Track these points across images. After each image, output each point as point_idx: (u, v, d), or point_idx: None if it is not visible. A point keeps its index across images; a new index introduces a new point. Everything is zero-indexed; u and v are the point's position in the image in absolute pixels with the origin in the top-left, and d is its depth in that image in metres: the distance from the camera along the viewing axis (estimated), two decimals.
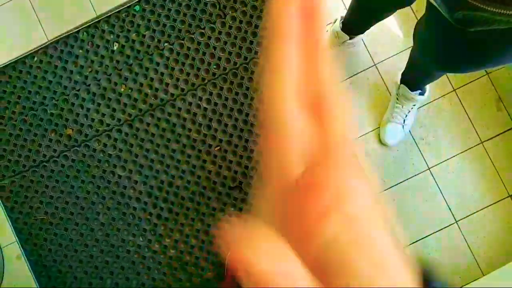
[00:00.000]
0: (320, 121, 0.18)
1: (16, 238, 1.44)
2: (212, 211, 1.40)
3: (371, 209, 0.16)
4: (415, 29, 0.89)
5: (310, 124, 0.17)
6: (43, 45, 1.46)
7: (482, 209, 1.35)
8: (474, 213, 1.36)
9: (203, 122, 1.41)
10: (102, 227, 1.43)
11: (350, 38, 1.22)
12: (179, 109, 1.42)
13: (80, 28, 1.45)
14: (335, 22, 1.25)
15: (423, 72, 1.09)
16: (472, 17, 0.53)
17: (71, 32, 1.45)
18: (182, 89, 1.42)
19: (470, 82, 1.35)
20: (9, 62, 1.46)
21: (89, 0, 1.44)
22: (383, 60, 1.36)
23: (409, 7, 1.38)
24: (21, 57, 1.46)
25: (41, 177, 1.45)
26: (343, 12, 1.26)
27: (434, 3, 0.59)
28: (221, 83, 1.41)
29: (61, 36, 1.45)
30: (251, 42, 1.40)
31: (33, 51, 1.46)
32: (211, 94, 1.41)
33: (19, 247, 1.44)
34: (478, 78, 1.36)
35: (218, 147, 1.41)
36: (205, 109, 1.41)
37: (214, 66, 1.41)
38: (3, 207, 1.45)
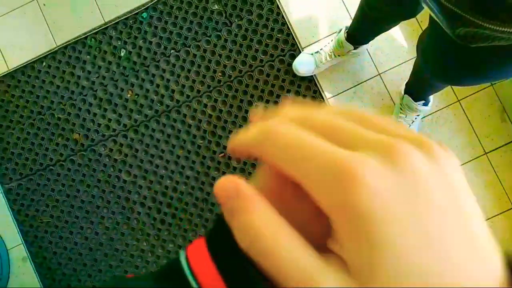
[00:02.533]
0: None
1: (22, 240, 1.46)
2: (215, 217, 1.41)
3: None
4: (418, 40, 0.90)
5: None
6: (52, 51, 1.48)
7: (485, 220, 1.35)
8: None
9: (208, 128, 1.42)
10: (106, 231, 1.45)
11: (355, 48, 1.23)
12: (184, 115, 1.43)
13: (88, 34, 1.47)
14: (340, 31, 1.25)
15: (427, 83, 1.10)
16: (473, 34, 0.53)
17: (79, 38, 1.47)
18: (188, 96, 1.43)
19: (475, 93, 1.35)
20: (18, 67, 1.48)
21: (97, 7, 1.46)
22: (387, 70, 1.37)
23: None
24: (30, 62, 1.48)
25: (48, 180, 1.47)
26: (348, 22, 1.26)
27: (436, 19, 0.60)
28: (226, 90, 1.42)
29: (70, 42, 1.48)
30: (256, 50, 1.41)
31: (41, 56, 1.48)
32: (216, 101, 1.42)
33: (25, 249, 1.46)
34: (482, 89, 1.36)
35: (222, 154, 1.42)
36: (210, 115, 1.42)
37: (220, 74, 1.43)
38: (10, 210, 1.47)
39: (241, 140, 0.17)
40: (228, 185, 0.15)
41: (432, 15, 0.61)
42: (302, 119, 0.16)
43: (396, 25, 1.12)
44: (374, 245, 0.12)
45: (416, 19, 1.36)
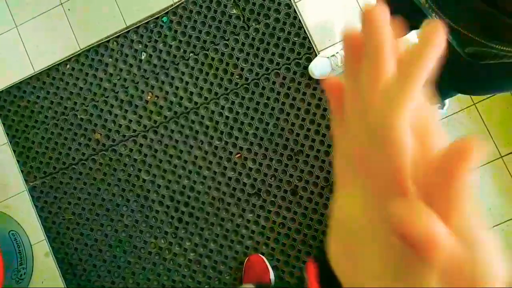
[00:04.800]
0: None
1: (45, 236, 1.51)
2: (231, 216, 1.44)
3: None
4: None
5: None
6: (76, 53, 1.54)
7: (500, 223, 1.35)
8: (493, 227, 1.36)
9: (224, 130, 1.46)
10: (125, 229, 1.49)
11: None
12: (202, 117, 1.47)
13: (110, 37, 1.52)
14: None
15: (438, 90, 1.11)
16: (482, 52, 0.55)
17: (102, 41, 1.53)
18: (206, 98, 1.47)
19: (490, 96, 1.36)
20: (43, 69, 1.54)
21: (119, 11, 1.51)
22: None
23: None
24: (54, 64, 1.54)
25: (70, 179, 1.52)
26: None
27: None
28: (243, 93, 1.45)
29: (92, 45, 1.53)
30: (273, 54, 1.44)
31: (66, 59, 1.54)
32: (233, 103, 1.46)
33: (48, 245, 1.51)
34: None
35: (239, 155, 1.45)
36: (227, 117, 1.46)
37: (237, 76, 1.46)
38: (34, 206, 1.52)
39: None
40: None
41: None
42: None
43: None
44: None
45: None
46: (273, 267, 1.40)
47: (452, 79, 0.80)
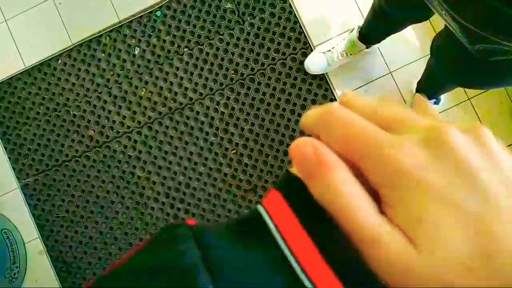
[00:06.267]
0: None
1: (39, 234, 1.50)
2: (228, 213, 1.44)
3: None
4: (433, 41, 0.91)
5: None
6: (67, 49, 1.51)
7: None
8: None
9: (220, 126, 1.45)
10: (120, 226, 1.48)
11: (367, 47, 1.24)
12: (197, 112, 1.45)
13: (103, 32, 1.50)
14: (352, 31, 1.27)
15: (439, 84, 1.11)
16: (492, 49, 0.55)
17: (94, 36, 1.50)
18: (201, 93, 1.46)
19: (485, 91, 1.36)
20: (34, 64, 1.51)
21: (112, 5, 1.48)
22: (398, 68, 1.38)
23: None
24: (46, 59, 1.51)
25: (63, 176, 1.50)
26: (360, 22, 1.28)
27: (455, 34, 0.61)
28: (239, 88, 1.44)
29: (85, 40, 1.50)
30: (269, 49, 1.43)
31: (57, 54, 1.51)
32: (228, 98, 1.45)
33: (41, 243, 1.49)
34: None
35: (234, 151, 1.44)
36: (223, 113, 1.45)
37: (232, 72, 1.45)
38: (27, 204, 1.50)
39: (306, 120, 0.19)
40: (306, 149, 0.16)
41: (452, 30, 0.63)
42: (359, 106, 0.18)
43: (408, 26, 1.13)
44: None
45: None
46: None
47: (452, 72, 0.80)
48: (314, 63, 1.36)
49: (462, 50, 0.62)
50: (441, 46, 0.80)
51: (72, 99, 1.50)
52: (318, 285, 0.15)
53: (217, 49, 1.45)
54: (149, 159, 1.47)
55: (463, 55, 0.66)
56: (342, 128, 0.17)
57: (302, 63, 1.40)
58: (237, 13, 1.45)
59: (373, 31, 1.19)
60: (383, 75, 1.40)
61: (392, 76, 1.40)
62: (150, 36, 1.48)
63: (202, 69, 1.46)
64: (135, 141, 1.47)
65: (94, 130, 1.49)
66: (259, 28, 1.44)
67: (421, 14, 0.89)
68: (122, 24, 1.49)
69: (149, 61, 1.48)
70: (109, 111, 1.49)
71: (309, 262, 0.15)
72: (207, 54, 1.46)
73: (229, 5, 1.45)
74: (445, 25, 0.75)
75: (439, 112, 1.38)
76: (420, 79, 1.24)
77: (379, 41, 1.26)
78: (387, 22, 1.04)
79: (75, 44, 1.51)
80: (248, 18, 1.44)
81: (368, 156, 0.16)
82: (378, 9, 0.99)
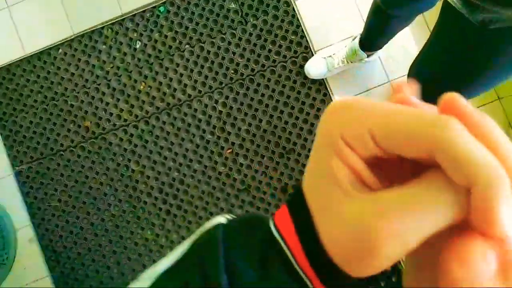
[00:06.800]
0: None
1: (30, 222, 1.50)
2: (220, 211, 1.44)
3: None
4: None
5: None
6: (69, 38, 1.50)
7: None
8: None
9: (217, 124, 1.45)
10: (112, 218, 1.48)
11: (368, 56, 1.25)
12: (195, 110, 1.46)
13: (105, 24, 1.49)
14: (354, 39, 1.27)
15: (433, 93, 1.12)
16: (491, 18, 0.60)
17: (96, 27, 1.50)
18: (200, 91, 1.46)
19: (481, 106, 1.38)
20: (34, 52, 1.51)
21: None
22: (398, 78, 1.39)
23: (426, 27, 1.41)
24: (46, 48, 1.51)
25: (57, 165, 1.50)
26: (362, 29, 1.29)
27: (455, 6, 0.64)
28: (238, 88, 1.45)
29: (86, 31, 1.50)
30: (270, 51, 1.43)
31: (58, 43, 1.50)
32: (227, 98, 1.45)
33: (32, 231, 1.49)
34: (489, 102, 1.39)
35: (230, 150, 1.45)
36: (220, 112, 1.45)
37: (232, 71, 1.45)
38: (20, 191, 1.50)
39: (398, 122, 0.16)
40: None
41: (452, 3, 0.66)
42: (475, 124, 0.16)
43: (409, 23, 1.09)
44: None
45: (429, 29, 1.39)
46: None
47: (443, 65, 0.81)
48: (314, 68, 1.37)
49: (460, 31, 0.68)
50: (426, 50, 0.85)
51: (70, 89, 1.50)
52: None
53: (219, 48, 1.46)
54: (144, 153, 1.47)
55: (459, 36, 0.71)
56: (465, 163, 0.14)
57: (302, 67, 1.41)
58: (240, 14, 1.45)
59: (373, 33, 1.15)
60: (382, 84, 1.41)
61: (391, 85, 1.41)
62: (152, 31, 1.48)
63: (202, 67, 1.46)
64: (131, 135, 1.48)
65: (90, 121, 1.49)
66: (261, 30, 1.44)
67: (426, 2, 0.88)
68: (125, 17, 1.49)
69: (149, 55, 1.48)
70: (107, 103, 1.49)
71: None
72: (208, 52, 1.46)
73: (232, 5, 1.46)
74: (438, 21, 0.77)
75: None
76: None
77: (380, 46, 1.25)
78: (388, 17, 1.00)
79: (77, 35, 1.50)
80: (251, 19, 1.45)
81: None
82: (382, 3, 0.94)
